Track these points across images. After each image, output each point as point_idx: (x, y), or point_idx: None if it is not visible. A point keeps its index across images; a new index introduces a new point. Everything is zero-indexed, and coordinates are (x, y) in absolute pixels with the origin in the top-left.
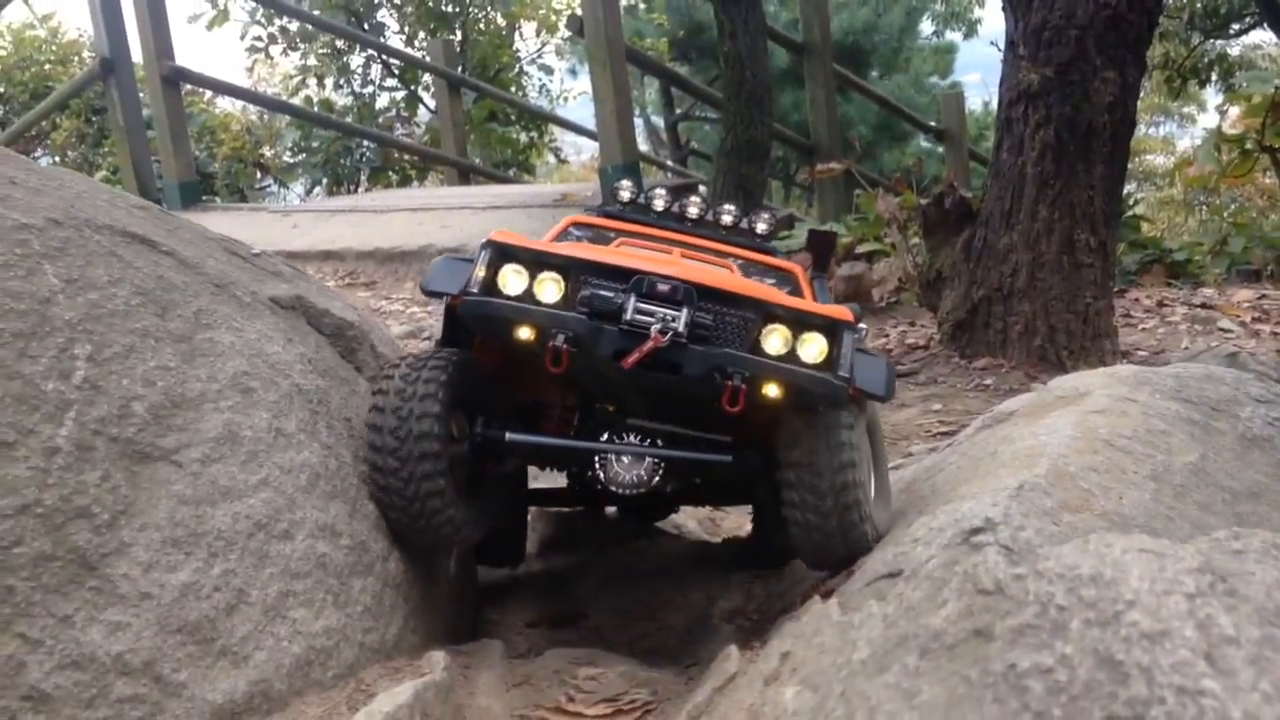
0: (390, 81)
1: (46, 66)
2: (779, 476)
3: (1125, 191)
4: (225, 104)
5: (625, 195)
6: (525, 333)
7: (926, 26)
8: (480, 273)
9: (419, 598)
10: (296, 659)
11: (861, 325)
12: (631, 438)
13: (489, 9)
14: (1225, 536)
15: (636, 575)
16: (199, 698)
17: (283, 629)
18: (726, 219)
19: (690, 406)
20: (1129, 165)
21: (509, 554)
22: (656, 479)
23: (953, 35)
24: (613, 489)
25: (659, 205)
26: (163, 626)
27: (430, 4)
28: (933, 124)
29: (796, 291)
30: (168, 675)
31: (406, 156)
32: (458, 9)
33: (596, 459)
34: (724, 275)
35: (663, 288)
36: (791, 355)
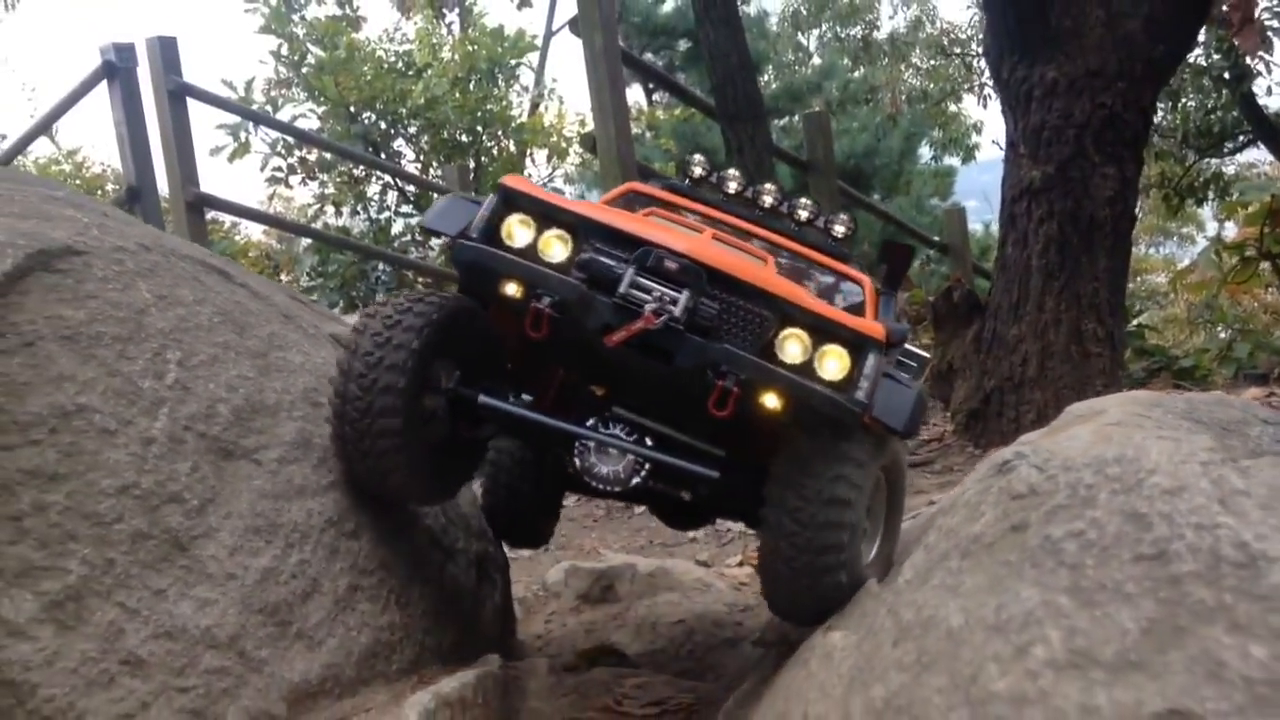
0: (405, 208)
1: None
2: (764, 491)
3: (1129, 304)
4: (245, 232)
5: (697, 171)
6: (512, 288)
7: (925, 151)
8: (484, 215)
9: (469, 611)
10: (365, 649)
11: (912, 349)
12: (618, 430)
13: (502, 138)
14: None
15: (671, 620)
16: (278, 675)
17: (352, 619)
18: (802, 214)
19: (686, 406)
20: (1130, 283)
21: (535, 536)
22: (636, 479)
23: (951, 160)
24: (587, 480)
25: (731, 187)
26: (246, 606)
27: (445, 135)
28: (936, 239)
29: (856, 305)
30: (250, 651)
31: (420, 277)
32: (471, 139)
33: (576, 445)
34: (747, 264)
35: (669, 264)
36: (807, 367)
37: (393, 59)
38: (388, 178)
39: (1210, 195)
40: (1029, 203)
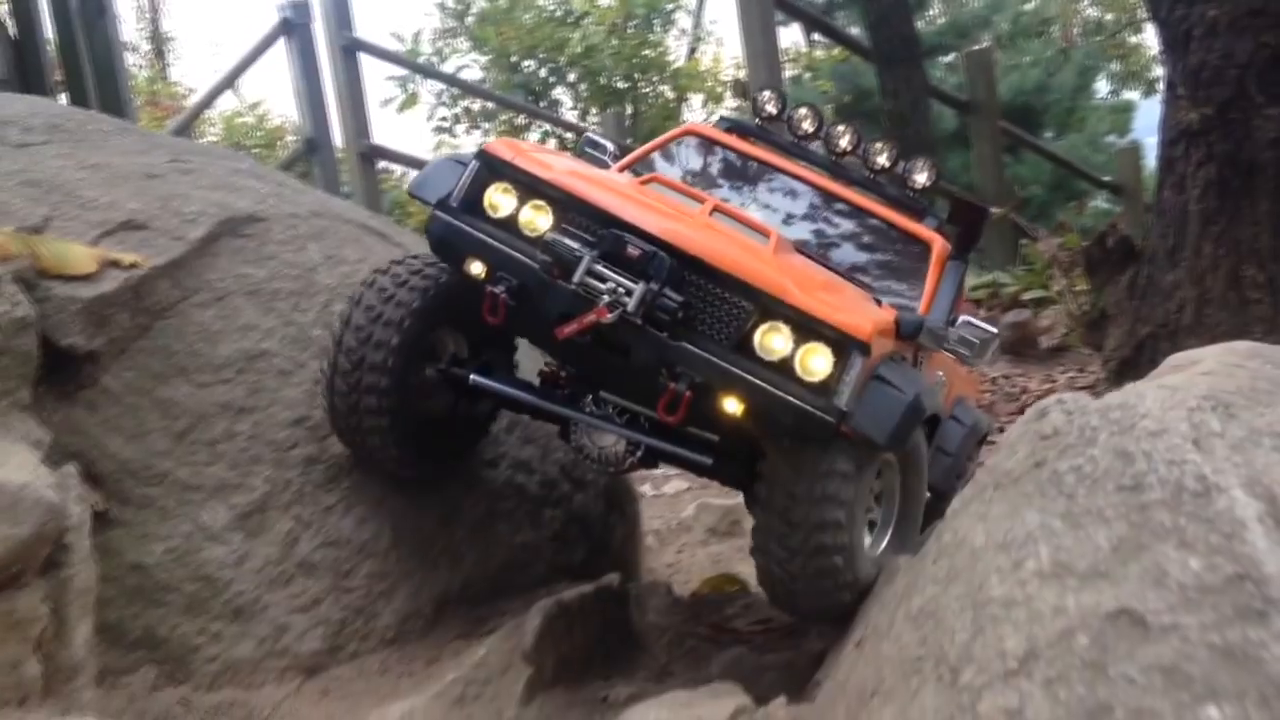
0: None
1: (254, 151)
2: (754, 490)
3: None
4: None
5: (769, 109)
6: (477, 267)
7: (1102, 86)
8: (464, 184)
9: (598, 536)
10: (500, 563)
11: (976, 322)
12: (611, 412)
13: (658, 84)
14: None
15: None
16: (426, 582)
17: (489, 538)
18: (879, 160)
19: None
20: None
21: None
22: (631, 460)
23: (1131, 94)
24: (583, 458)
25: (805, 127)
26: (398, 523)
27: (603, 82)
28: (1107, 179)
29: (917, 269)
30: (403, 561)
31: None
32: (628, 85)
33: (570, 425)
34: (732, 247)
35: (631, 251)
36: (786, 365)
37: (552, 7)
38: (547, 125)
39: None
40: (1187, 145)
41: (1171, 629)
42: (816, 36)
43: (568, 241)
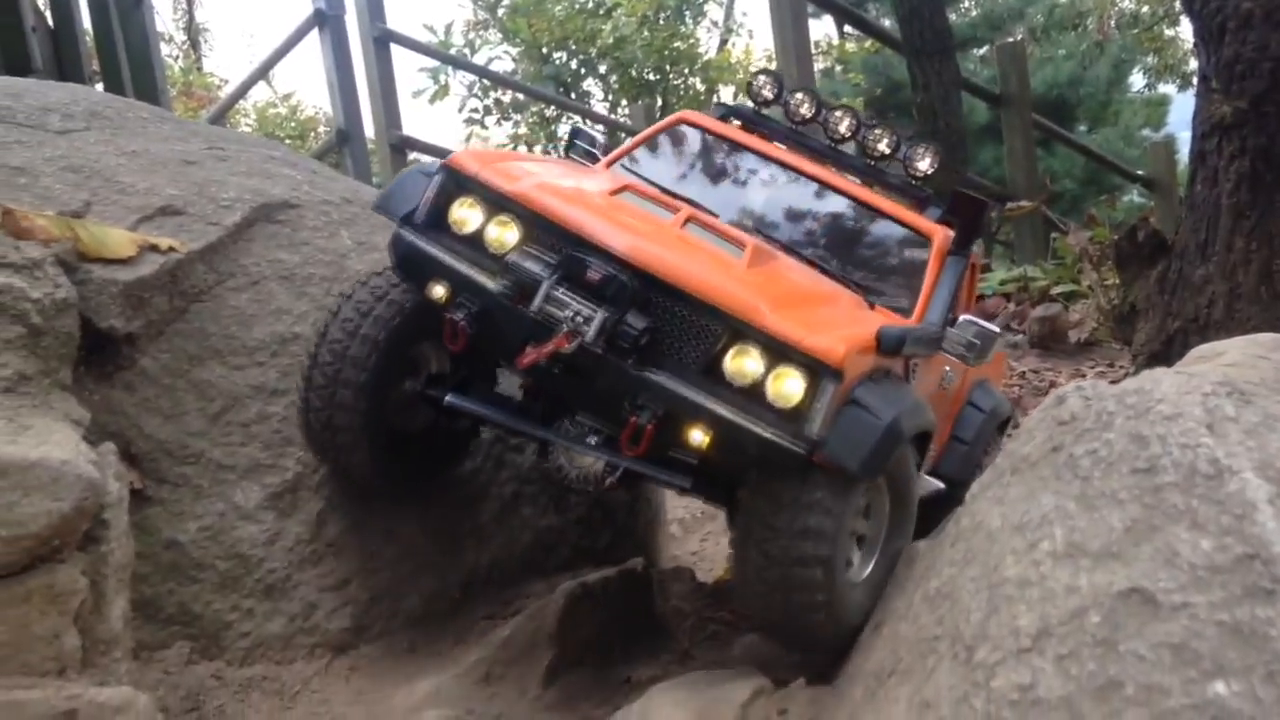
0: None
1: (287, 141)
2: (734, 517)
3: None
4: None
5: (766, 94)
6: (439, 291)
7: (1137, 79)
8: (429, 199)
9: (623, 522)
10: (526, 545)
11: (978, 323)
12: (589, 434)
13: (689, 76)
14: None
15: None
16: (454, 563)
17: (515, 521)
18: (881, 146)
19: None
20: None
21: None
22: (610, 480)
23: (1166, 88)
24: (561, 478)
25: (803, 112)
26: (425, 507)
27: (633, 74)
28: (1140, 173)
29: (916, 264)
30: (430, 543)
31: None
32: (659, 77)
33: (550, 445)
34: (701, 264)
35: (592, 274)
36: (756, 390)
37: None
38: (578, 117)
39: None
40: (1220, 139)
41: (1181, 607)
42: (848, 29)
43: (527, 265)
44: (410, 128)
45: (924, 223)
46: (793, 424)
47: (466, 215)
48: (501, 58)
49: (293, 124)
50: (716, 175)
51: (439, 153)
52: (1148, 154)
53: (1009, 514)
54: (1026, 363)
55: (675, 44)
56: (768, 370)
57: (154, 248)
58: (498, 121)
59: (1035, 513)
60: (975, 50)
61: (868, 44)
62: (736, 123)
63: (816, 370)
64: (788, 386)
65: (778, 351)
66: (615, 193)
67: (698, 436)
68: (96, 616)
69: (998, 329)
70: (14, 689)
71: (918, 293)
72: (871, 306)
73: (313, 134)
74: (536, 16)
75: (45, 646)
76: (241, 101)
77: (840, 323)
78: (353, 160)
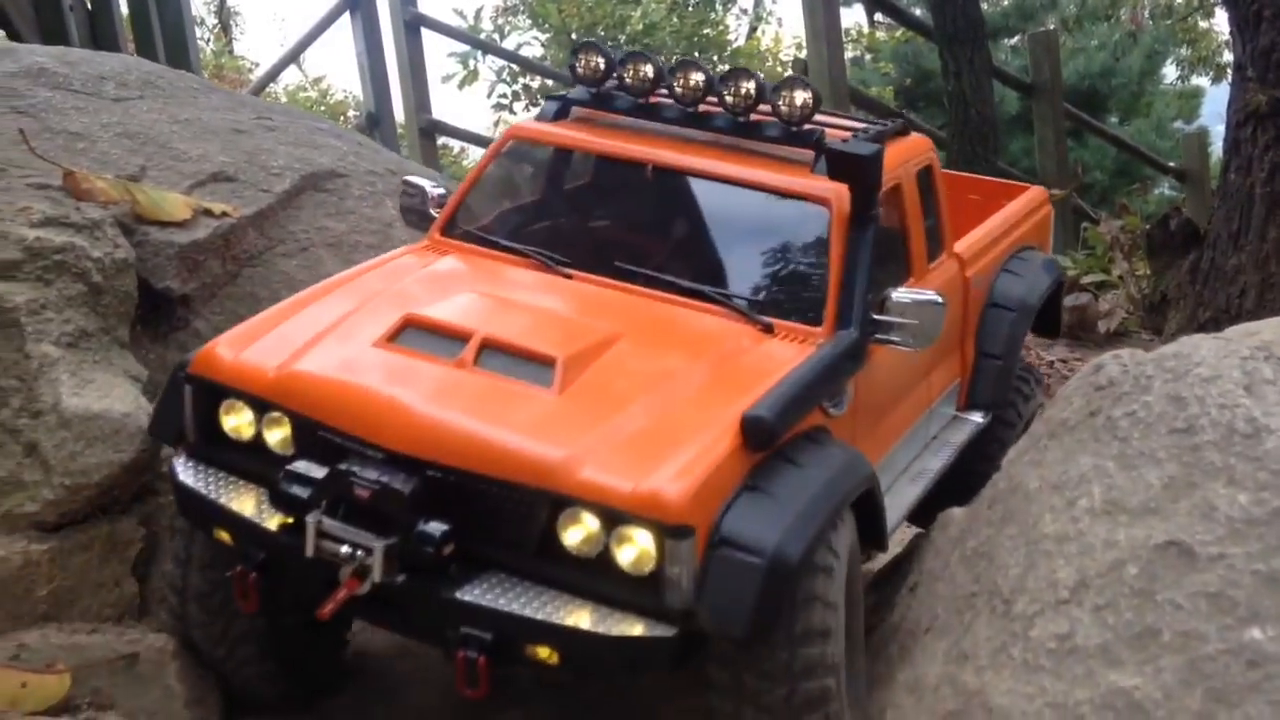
0: None
1: None
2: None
3: None
4: (472, 157)
5: (592, 68)
6: (225, 536)
7: (1170, 71)
8: (191, 416)
9: None
10: None
11: (919, 295)
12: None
13: (718, 63)
14: None
15: None
16: None
17: None
18: (743, 94)
19: None
20: None
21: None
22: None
23: (1199, 80)
24: None
25: (644, 75)
26: None
27: (662, 60)
28: (1171, 165)
29: (815, 247)
30: None
31: None
32: None
33: None
34: (486, 426)
35: (360, 492)
36: (604, 560)
37: None
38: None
39: None
40: (1255, 128)
41: (1218, 558)
42: (879, 17)
43: (293, 490)
44: (439, 113)
45: (814, 186)
46: (652, 596)
47: (237, 422)
48: (530, 43)
49: (323, 108)
50: (562, 203)
51: (469, 137)
52: (1180, 146)
53: (1047, 475)
54: (1056, 352)
55: (704, 31)
56: (608, 532)
57: (208, 212)
58: (526, 107)
59: (1074, 472)
60: (1006, 40)
61: (898, 33)
62: (577, 112)
63: (658, 529)
64: (632, 552)
65: (608, 513)
66: (394, 335)
67: (546, 654)
68: (153, 565)
69: (939, 298)
70: (76, 633)
71: (826, 282)
72: (769, 331)
73: (342, 118)
74: (566, 2)
75: (105, 593)
76: (272, 85)
77: (686, 433)
78: (382, 144)
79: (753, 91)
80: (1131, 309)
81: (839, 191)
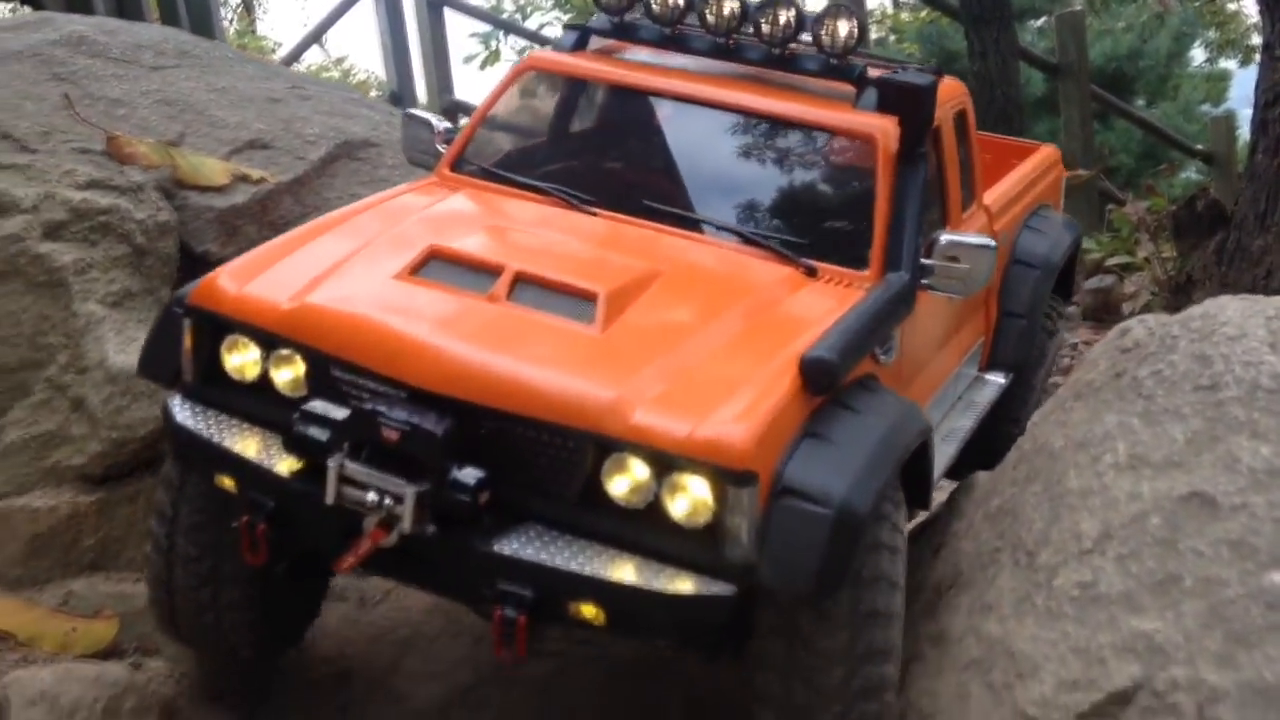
0: None
1: None
2: (753, 682)
3: None
4: None
5: None
6: (229, 483)
7: (1198, 53)
8: (189, 353)
9: None
10: None
11: (968, 262)
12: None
13: None
14: None
15: None
16: None
17: None
18: (782, 24)
19: None
20: None
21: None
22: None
23: (1228, 63)
24: None
25: (677, 6)
26: None
27: None
28: (1199, 148)
29: (860, 188)
30: None
31: None
32: None
33: None
34: (526, 363)
35: (388, 434)
36: (654, 511)
37: None
38: None
39: None
40: None
41: (1241, 508)
42: None
43: (311, 432)
44: (461, 92)
45: (859, 122)
46: (709, 550)
47: (241, 360)
48: (553, 23)
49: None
50: (583, 139)
51: None
52: (1208, 129)
53: (1072, 434)
54: (1079, 334)
55: None
56: (659, 481)
57: (245, 178)
58: None
59: (1099, 430)
60: (1033, 21)
61: (923, 14)
62: (598, 42)
63: (719, 475)
64: (686, 502)
65: (662, 459)
66: (417, 268)
67: (591, 612)
68: None
69: (991, 242)
70: (123, 582)
71: (871, 223)
72: (811, 274)
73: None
74: None
75: (149, 544)
76: (295, 65)
77: (741, 375)
78: None
79: (792, 21)
80: (1157, 290)
81: (885, 128)
